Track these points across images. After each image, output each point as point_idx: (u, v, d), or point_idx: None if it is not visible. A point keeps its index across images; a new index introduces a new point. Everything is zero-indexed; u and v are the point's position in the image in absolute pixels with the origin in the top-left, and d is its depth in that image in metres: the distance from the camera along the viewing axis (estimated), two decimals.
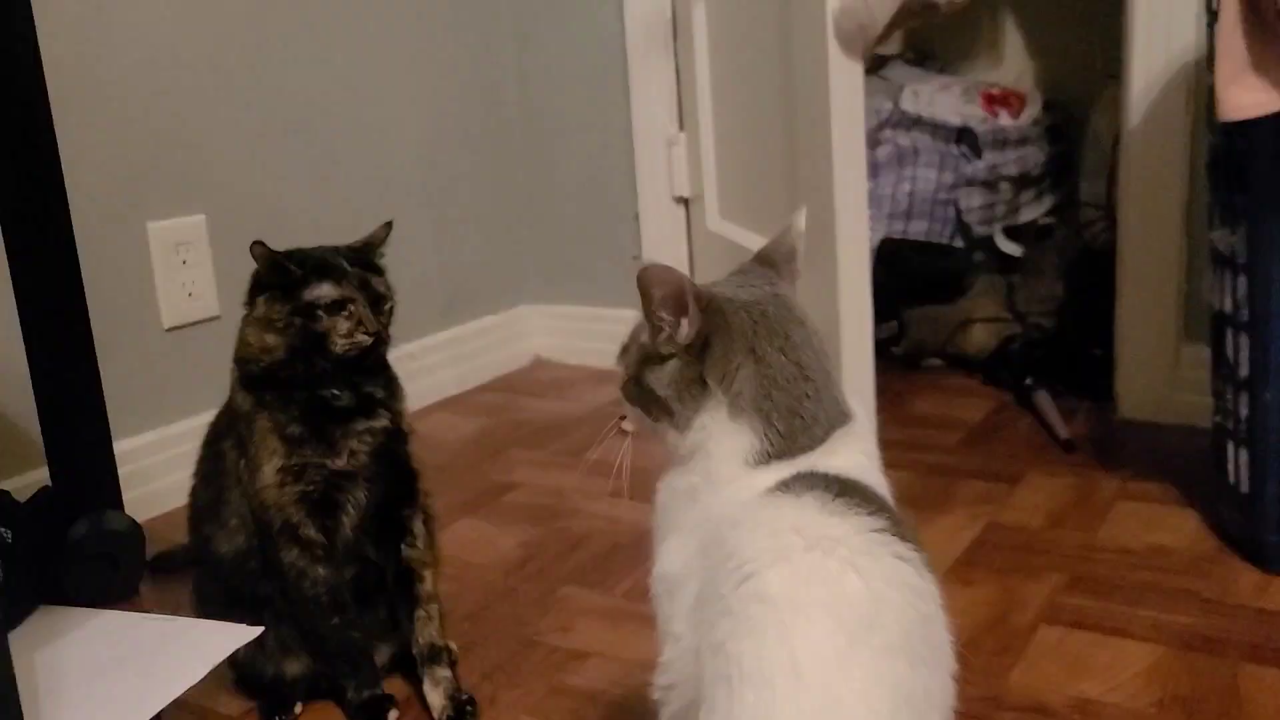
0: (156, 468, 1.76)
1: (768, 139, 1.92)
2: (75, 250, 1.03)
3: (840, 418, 0.82)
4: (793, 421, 0.80)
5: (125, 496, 1.75)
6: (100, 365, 1.75)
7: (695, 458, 0.82)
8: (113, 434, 1.76)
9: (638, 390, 0.85)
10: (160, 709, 0.81)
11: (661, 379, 0.83)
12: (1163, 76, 1.83)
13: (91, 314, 1.72)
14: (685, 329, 0.81)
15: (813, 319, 0.86)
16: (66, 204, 1.02)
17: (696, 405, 0.81)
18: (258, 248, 1.15)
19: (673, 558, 0.83)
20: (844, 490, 0.76)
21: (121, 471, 1.76)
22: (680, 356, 0.82)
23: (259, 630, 0.93)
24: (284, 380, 1.17)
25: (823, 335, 0.86)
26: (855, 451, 0.82)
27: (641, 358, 0.85)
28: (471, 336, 2.48)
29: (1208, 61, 1.43)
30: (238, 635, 0.90)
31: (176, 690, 0.83)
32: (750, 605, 0.70)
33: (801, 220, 0.91)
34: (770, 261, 0.89)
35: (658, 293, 0.81)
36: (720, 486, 0.80)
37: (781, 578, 0.71)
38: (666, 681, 0.81)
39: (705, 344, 0.82)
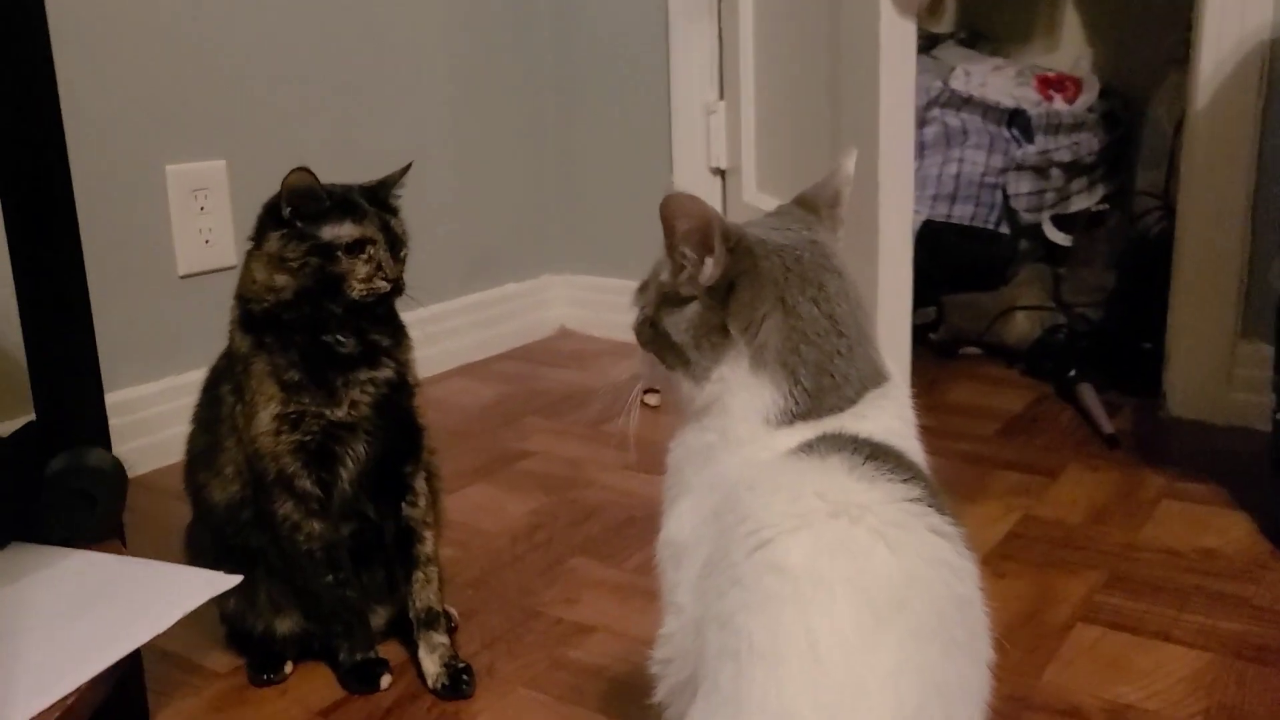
0: (166, 417, 1.72)
1: (810, 109, 1.84)
2: (70, 181, 0.98)
3: (875, 378, 0.75)
4: (821, 379, 0.73)
5: (133, 444, 1.72)
6: (111, 311, 1.71)
7: (711, 413, 0.75)
8: (122, 381, 1.74)
9: (652, 333, 0.78)
10: (126, 654, 0.75)
11: (679, 323, 0.76)
12: (1234, 56, 1.73)
13: (104, 258, 1.67)
14: (709, 269, 0.74)
15: (851, 270, 0.79)
16: (63, 137, 0.96)
17: (716, 355, 0.74)
18: (298, 174, 1.07)
19: (682, 522, 0.77)
20: (874, 455, 0.68)
21: (130, 419, 1.73)
22: (702, 299, 0.75)
23: (237, 579, 0.86)
24: (287, 323, 1.11)
25: (861, 289, 0.79)
26: (890, 416, 0.74)
27: (660, 298, 0.78)
28: (495, 303, 2.41)
29: None
30: (215, 583, 0.84)
31: (145, 636, 0.77)
32: (765, 575, 0.63)
33: (851, 164, 0.84)
34: (812, 205, 0.82)
35: (681, 225, 0.74)
36: (737, 446, 0.73)
37: (801, 546, 0.64)
38: (665, 655, 0.74)
39: (730, 288, 0.74)
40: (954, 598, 0.65)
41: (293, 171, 1.08)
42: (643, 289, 0.81)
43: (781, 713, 0.59)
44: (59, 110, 0.97)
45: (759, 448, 0.72)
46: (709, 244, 0.74)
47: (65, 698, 0.70)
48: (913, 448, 0.74)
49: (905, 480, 0.67)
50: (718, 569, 0.67)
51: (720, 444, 0.74)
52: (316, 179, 1.08)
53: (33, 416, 1.00)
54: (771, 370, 0.73)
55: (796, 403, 0.72)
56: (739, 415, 0.74)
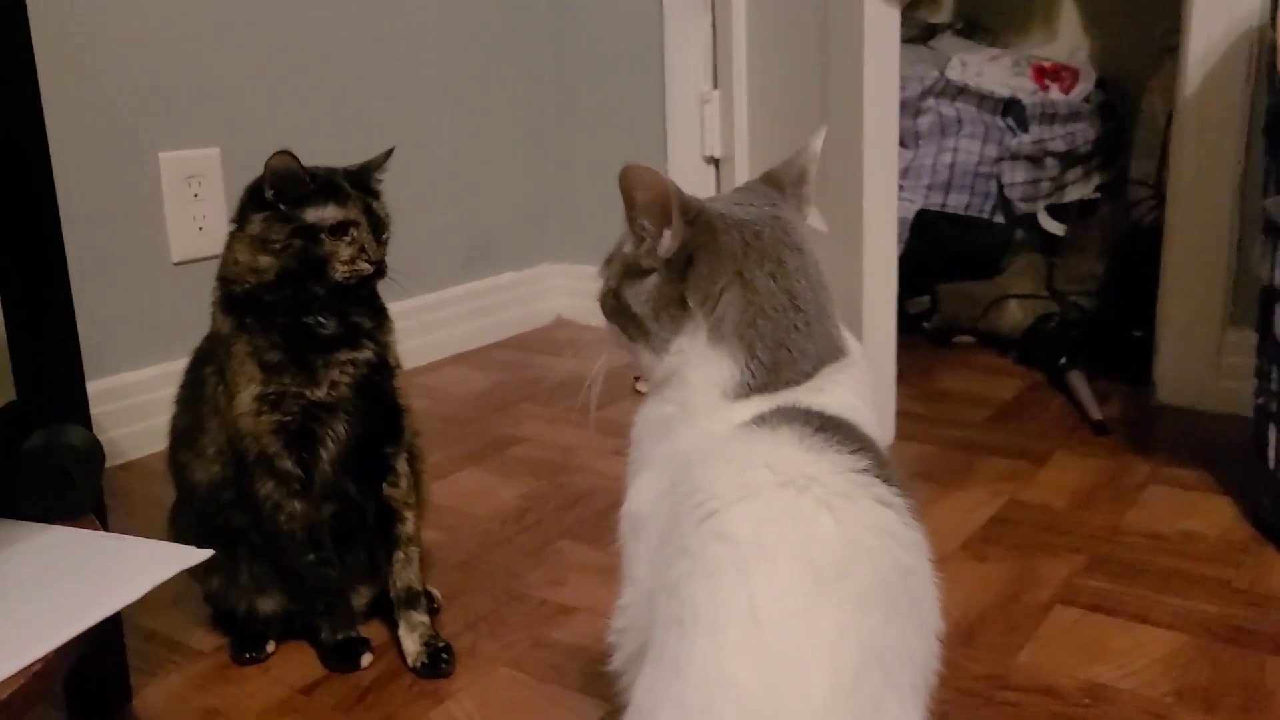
0: (159, 402, 1.72)
1: (802, 97, 1.85)
2: (49, 162, 0.99)
3: (832, 353, 0.76)
4: (778, 353, 0.74)
5: (126, 430, 1.73)
6: (105, 297, 1.73)
7: (670, 385, 0.77)
8: (116, 367, 1.75)
9: (615, 304, 0.79)
10: (95, 623, 0.76)
11: (639, 294, 0.77)
12: (1222, 43, 1.73)
13: (99, 244, 1.69)
14: (667, 241, 0.76)
15: (812, 247, 0.79)
16: (42, 116, 0.98)
17: (675, 327, 0.76)
18: (279, 157, 1.08)
19: (642, 495, 0.78)
20: (825, 427, 0.69)
21: (123, 405, 1.74)
22: (661, 272, 0.76)
23: (208, 553, 0.87)
24: (268, 304, 1.12)
25: (820, 265, 0.79)
26: (845, 390, 0.75)
27: (623, 269, 0.79)
28: (491, 291, 2.42)
29: (1270, 19, 1.34)
30: (187, 556, 0.86)
31: (115, 606, 0.78)
32: (710, 544, 0.64)
33: (818, 142, 0.84)
34: (777, 182, 0.83)
35: (640, 197, 0.75)
36: (695, 419, 0.74)
37: (747, 516, 0.64)
38: (621, 625, 0.75)
39: (689, 261, 0.75)
40: (897, 566, 0.65)
41: (275, 154, 1.09)
42: (609, 261, 0.82)
43: (721, 678, 0.60)
44: (37, 87, 0.98)
45: (715, 420, 0.73)
46: (667, 216, 0.75)
47: (33, 664, 0.72)
48: (867, 421, 0.74)
49: (854, 451, 0.68)
50: (669, 540, 0.68)
51: (679, 416, 0.75)
52: (299, 162, 1.10)
53: (13, 398, 1.01)
54: (729, 343, 0.74)
55: (753, 376, 0.73)
56: (697, 388, 0.74)
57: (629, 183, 0.75)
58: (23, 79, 0.96)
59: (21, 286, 1.00)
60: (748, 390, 0.73)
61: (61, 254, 1.01)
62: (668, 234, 0.75)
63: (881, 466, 0.68)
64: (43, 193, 0.99)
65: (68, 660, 0.75)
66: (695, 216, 0.75)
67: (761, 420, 0.70)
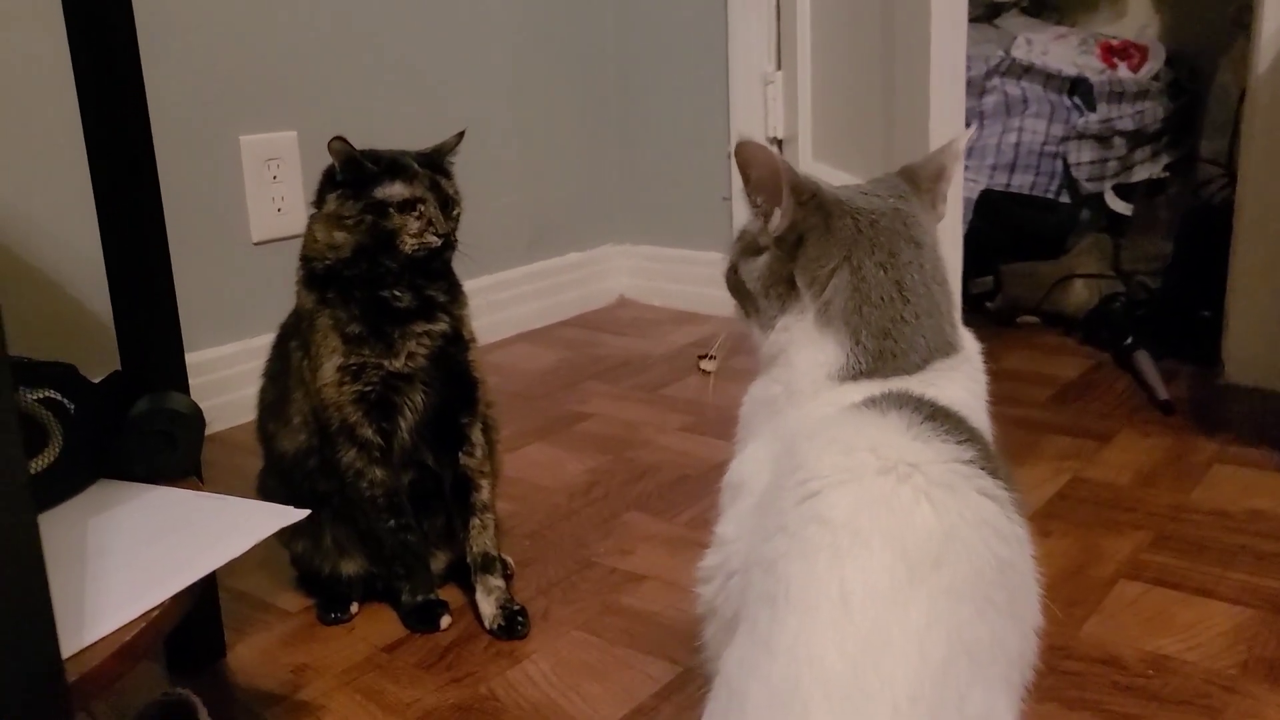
0: (241, 377, 1.79)
1: (865, 79, 1.86)
2: (152, 150, 1.04)
3: (944, 348, 0.75)
4: (884, 342, 0.73)
5: (210, 403, 1.79)
6: (190, 276, 1.78)
7: (777, 364, 0.77)
8: (200, 343, 1.82)
9: (733, 280, 0.81)
10: (204, 575, 0.81)
11: (753, 271, 0.79)
12: None
13: (183, 225, 1.75)
14: (777, 219, 0.76)
15: (934, 243, 0.78)
16: (146, 111, 1.03)
17: (783, 305, 0.77)
18: (337, 143, 1.15)
19: (744, 465, 0.79)
20: (934, 416, 0.69)
21: (205, 380, 1.81)
22: (772, 250, 0.77)
23: (305, 512, 0.92)
24: (347, 279, 1.17)
25: (941, 262, 0.78)
26: (956, 385, 0.74)
27: (742, 246, 0.81)
28: (557, 271, 2.47)
29: None
30: (284, 515, 0.90)
31: (221, 560, 0.83)
32: (809, 525, 0.65)
33: (962, 142, 0.84)
34: (913, 177, 0.82)
35: (753, 173, 0.76)
36: (800, 400, 0.75)
37: (846, 500, 0.65)
38: (708, 593, 0.76)
39: (799, 241, 0.76)
40: (995, 560, 0.64)
41: (333, 140, 1.15)
42: (738, 238, 0.83)
43: (809, 659, 0.60)
44: (142, 86, 1.04)
45: (821, 402, 0.73)
46: (778, 194, 0.75)
47: (150, 611, 0.77)
48: (977, 417, 0.73)
49: (961, 442, 0.67)
50: (768, 514, 0.69)
51: (785, 397, 0.76)
52: (353, 146, 1.15)
53: (118, 368, 1.07)
54: (835, 327, 0.74)
55: (859, 361, 0.73)
56: (802, 369, 0.75)
57: (742, 159, 0.76)
58: (131, 78, 1.02)
59: (125, 264, 1.06)
60: (853, 375, 0.73)
61: (162, 233, 1.07)
62: (778, 212, 0.76)
63: (988, 459, 0.68)
64: (146, 177, 1.05)
65: (181, 608, 0.80)
66: (808, 198, 0.75)
67: (871, 403, 0.70)
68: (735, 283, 0.82)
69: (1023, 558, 0.67)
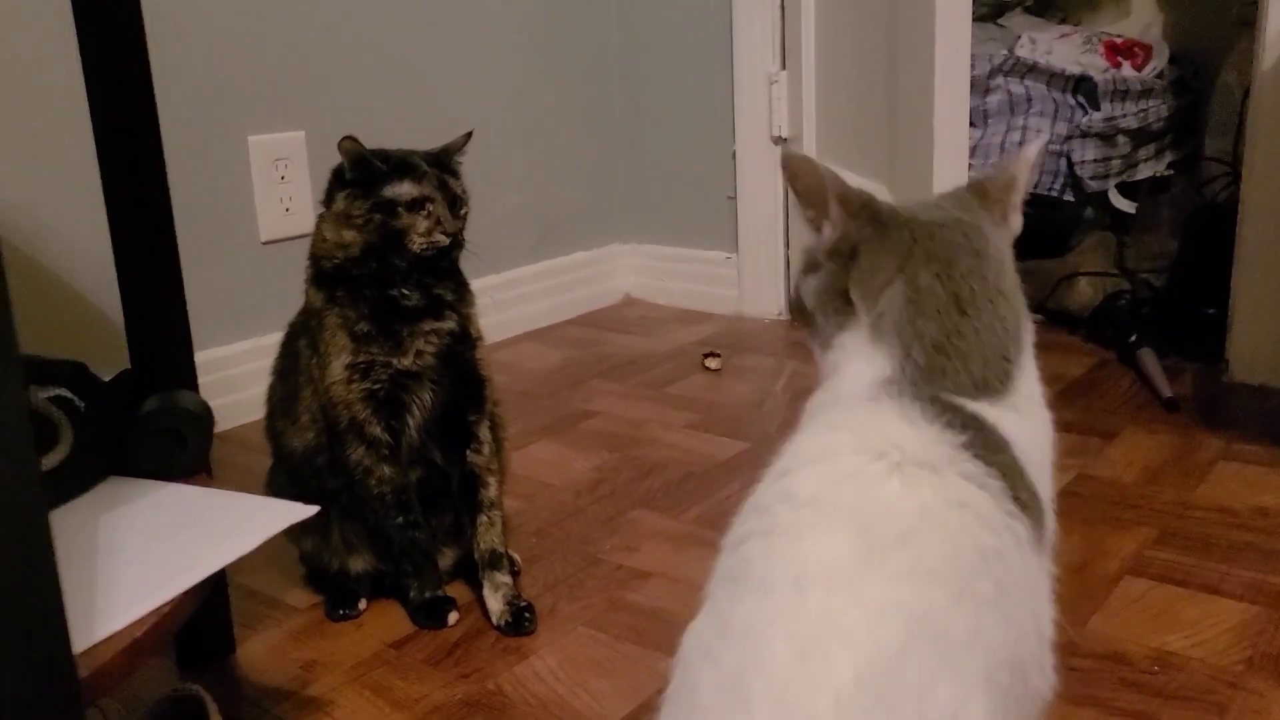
0: (249, 375, 1.80)
1: (869, 78, 1.86)
2: (160, 150, 1.05)
3: (1000, 375, 0.69)
4: (936, 357, 0.69)
5: (218, 402, 1.80)
6: (198, 275, 1.80)
7: (830, 378, 0.74)
8: (208, 342, 1.83)
9: (795, 301, 0.79)
10: (215, 571, 0.82)
11: (810, 289, 0.76)
12: None
13: (191, 225, 1.75)
14: (827, 232, 0.73)
15: (1002, 256, 0.74)
16: (155, 110, 1.04)
17: (840, 322, 0.73)
18: (347, 142, 1.16)
19: None
20: (945, 411, 0.65)
21: (214, 379, 1.82)
22: (826, 265, 0.74)
23: (314, 509, 0.93)
24: (356, 278, 1.18)
25: (1013, 277, 0.74)
26: (1004, 407, 0.69)
27: (804, 265, 0.78)
28: (563, 270, 2.47)
29: None
30: (293, 512, 0.91)
31: (231, 556, 0.84)
32: (775, 504, 0.62)
33: (1033, 150, 0.79)
34: (982, 190, 0.78)
35: (799, 185, 0.73)
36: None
37: (814, 476, 0.62)
38: None
39: (854, 254, 0.73)
40: (976, 546, 0.59)
41: (344, 139, 1.16)
42: (802, 259, 0.81)
43: (757, 642, 0.57)
44: (151, 87, 1.05)
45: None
46: (825, 206, 0.73)
47: (160, 607, 0.78)
48: (1025, 442, 0.68)
49: (959, 430, 0.64)
50: (751, 499, 0.67)
51: (829, 404, 0.73)
52: (363, 146, 1.16)
53: (128, 367, 1.08)
54: (888, 340, 0.70)
55: (908, 376, 0.69)
56: (848, 377, 0.72)
57: (789, 172, 0.74)
58: (140, 79, 1.02)
59: (135, 263, 1.07)
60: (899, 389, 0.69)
61: (171, 233, 1.07)
62: (826, 225, 0.73)
63: (987, 450, 0.63)
64: (155, 177, 1.05)
65: (191, 605, 0.80)
66: (859, 209, 0.72)
67: (889, 390, 0.68)
68: (797, 303, 0.79)
69: (1016, 553, 0.62)
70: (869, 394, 0.69)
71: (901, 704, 0.54)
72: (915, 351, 0.69)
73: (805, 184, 0.73)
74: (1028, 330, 0.73)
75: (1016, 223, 0.78)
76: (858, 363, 0.71)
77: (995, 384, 0.69)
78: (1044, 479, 0.69)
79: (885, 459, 0.61)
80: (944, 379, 0.68)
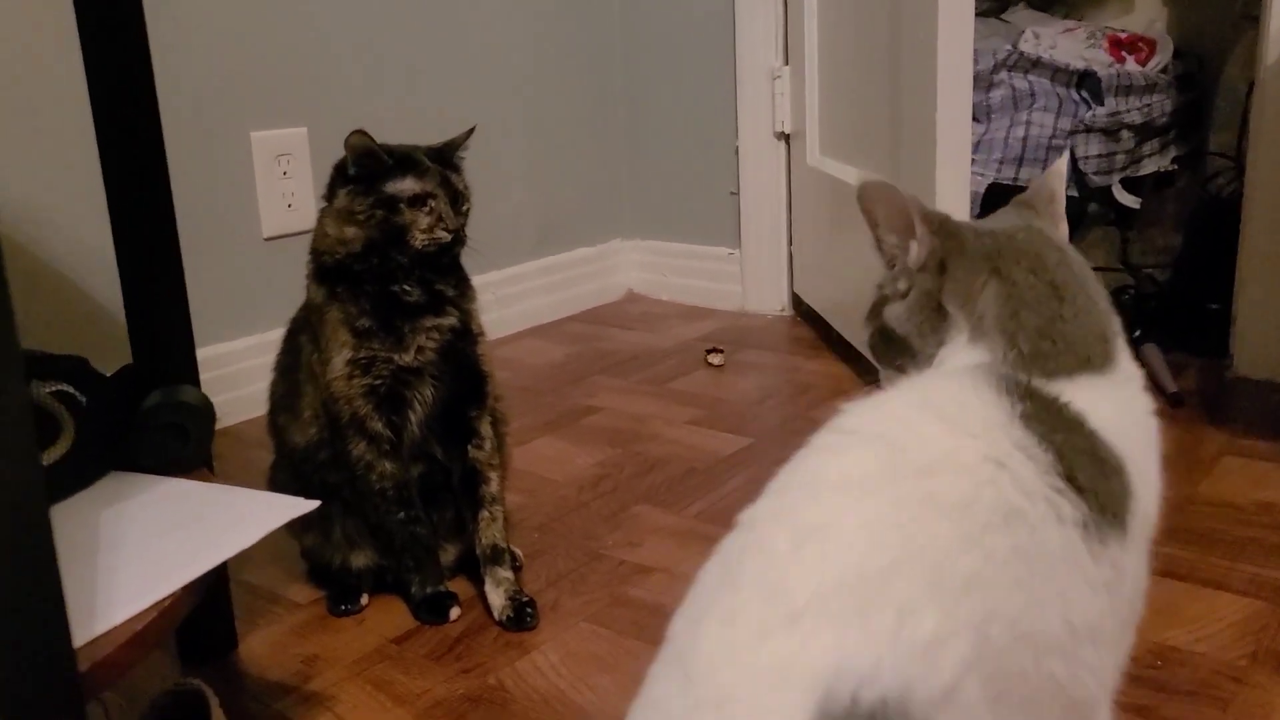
0: (251, 371, 1.81)
1: (872, 73, 1.86)
2: (162, 145, 1.05)
3: (1102, 354, 0.70)
4: (1040, 343, 0.69)
5: (220, 398, 1.81)
6: (200, 271, 1.80)
7: None
8: (210, 338, 1.83)
9: (881, 339, 0.78)
10: (216, 565, 0.82)
11: (899, 316, 0.76)
12: None
13: (193, 220, 1.76)
14: (915, 251, 0.74)
15: (1076, 254, 0.76)
16: (156, 106, 1.04)
17: (939, 337, 0.74)
18: (355, 136, 1.15)
19: None
20: (1028, 395, 0.64)
21: (216, 375, 1.82)
22: (916, 284, 0.75)
23: (315, 503, 0.93)
24: (358, 274, 1.18)
25: (1087, 268, 0.75)
26: (1101, 397, 0.68)
27: (879, 300, 0.78)
28: (565, 267, 2.47)
29: None
30: (295, 506, 0.91)
31: (232, 550, 0.84)
32: (824, 434, 0.63)
33: (1062, 163, 0.84)
34: (1029, 204, 0.81)
35: (880, 212, 0.74)
36: None
37: (864, 415, 0.63)
38: None
39: (941, 269, 0.74)
40: (1001, 502, 0.58)
41: (352, 133, 1.15)
42: (870, 313, 0.81)
43: (762, 531, 0.59)
44: (153, 82, 1.05)
45: None
46: (910, 227, 0.74)
47: (161, 601, 0.78)
48: (1108, 416, 0.66)
49: (1022, 401, 0.63)
50: None
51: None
52: (373, 140, 1.15)
53: (129, 362, 1.08)
54: (990, 338, 0.71)
55: (1005, 362, 0.70)
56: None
57: (868, 201, 0.74)
58: (142, 75, 1.02)
59: (137, 259, 1.07)
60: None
61: (173, 228, 1.07)
62: (914, 245, 0.75)
63: (1054, 429, 0.63)
64: (157, 172, 1.05)
65: (192, 598, 0.81)
66: (939, 226, 0.74)
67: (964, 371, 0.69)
68: (882, 342, 0.78)
69: (1053, 528, 0.59)
70: (951, 373, 0.70)
71: (878, 616, 0.54)
72: (1020, 341, 0.69)
73: (887, 210, 0.74)
74: (1116, 317, 0.74)
75: (1064, 230, 0.80)
76: (959, 360, 0.72)
77: (1099, 361, 0.70)
78: (1142, 471, 0.66)
79: (932, 409, 0.63)
80: (1049, 362, 0.68)
